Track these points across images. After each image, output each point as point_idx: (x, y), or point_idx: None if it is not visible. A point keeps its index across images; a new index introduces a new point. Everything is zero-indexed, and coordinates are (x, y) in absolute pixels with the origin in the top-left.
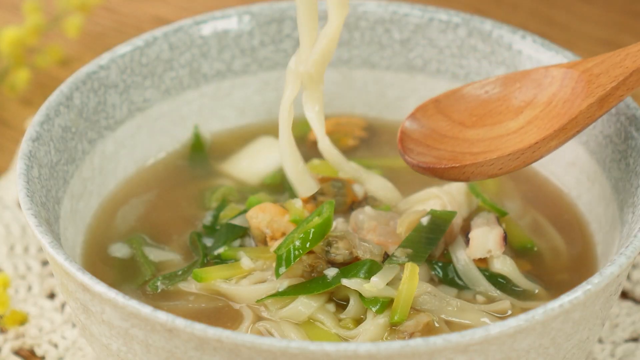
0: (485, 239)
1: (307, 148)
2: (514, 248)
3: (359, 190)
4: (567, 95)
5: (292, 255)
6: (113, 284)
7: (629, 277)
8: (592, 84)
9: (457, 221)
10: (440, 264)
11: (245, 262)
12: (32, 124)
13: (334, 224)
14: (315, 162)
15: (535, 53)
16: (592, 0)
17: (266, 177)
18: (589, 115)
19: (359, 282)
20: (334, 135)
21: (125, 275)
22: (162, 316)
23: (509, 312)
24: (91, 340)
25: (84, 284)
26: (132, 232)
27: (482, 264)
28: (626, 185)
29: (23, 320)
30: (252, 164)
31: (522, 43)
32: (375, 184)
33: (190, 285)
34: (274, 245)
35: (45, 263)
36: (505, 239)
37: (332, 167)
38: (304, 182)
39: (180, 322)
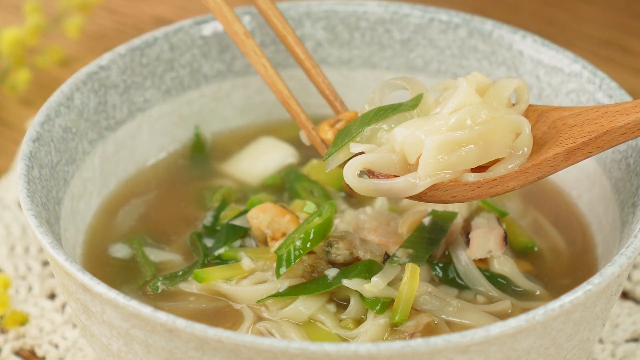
0: (485, 239)
1: (306, 149)
2: (515, 248)
3: None
4: (537, 138)
5: (292, 255)
6: (113, 284)
7: (629, 278)
8: (564, 134)
9: (458, 221)
10: (440, 264)
11: (246, 262)
12: (33, 125)
13: (335, 223)
14: (314, 162)
15: (535, 53)
16: (592, 0)
17: (267, 178)
18: (554, 164)
19: (359, 282)
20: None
21: (126, 275)
22: (162, 317)
23: (510, 313)
24: (92, 341)
25: (85, 285)
26: (132, 233)
27: (483, 264)
28: (626, 186)
29: (23, 321)
30: (252, 164)
31: (523, 43)
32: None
33: (190, 286)
34: (274, 245)
35: (45, 263)
36: (506, 239)
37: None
38: None
39: (180, 323)
